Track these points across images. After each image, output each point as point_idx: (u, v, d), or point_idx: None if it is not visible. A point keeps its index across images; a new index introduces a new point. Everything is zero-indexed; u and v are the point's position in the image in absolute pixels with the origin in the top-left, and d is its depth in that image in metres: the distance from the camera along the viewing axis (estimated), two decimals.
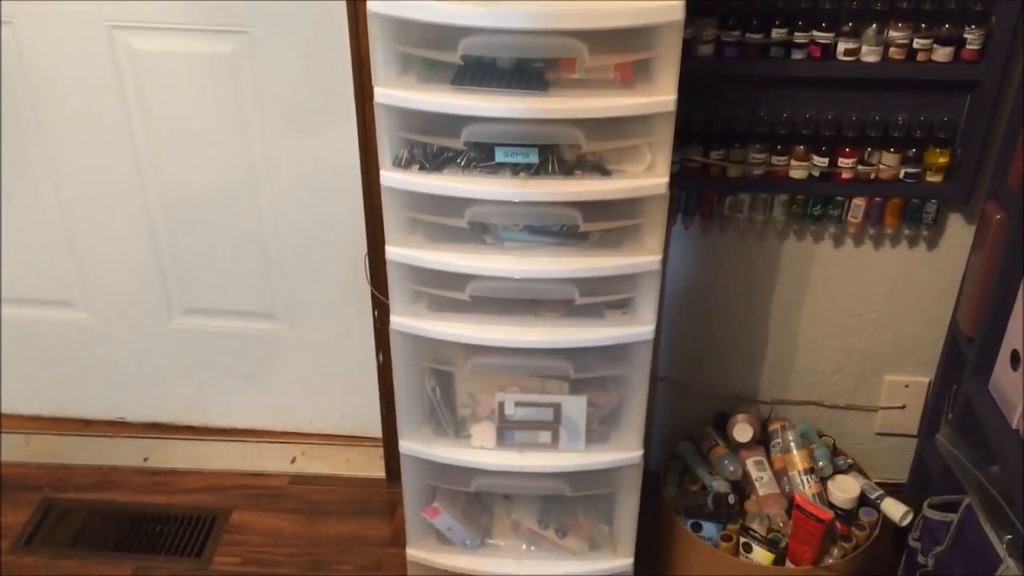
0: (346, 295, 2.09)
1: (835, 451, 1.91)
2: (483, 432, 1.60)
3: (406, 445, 1.61)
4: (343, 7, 1.69)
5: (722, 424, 1.93)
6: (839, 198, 1.76)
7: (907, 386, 1.98)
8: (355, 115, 1.79)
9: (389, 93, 1.33)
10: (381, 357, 2.10)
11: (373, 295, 2.00)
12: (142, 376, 2.27)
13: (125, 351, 2.24)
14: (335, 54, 1.78)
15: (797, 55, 1.62)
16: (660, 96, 1.31)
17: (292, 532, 2.08)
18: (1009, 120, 1.62)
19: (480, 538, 1.72)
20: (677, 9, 1.24)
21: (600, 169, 1.38)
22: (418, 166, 1.39)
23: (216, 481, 2.21)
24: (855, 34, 1.60)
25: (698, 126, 1.71)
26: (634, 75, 1.34)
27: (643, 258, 1.43)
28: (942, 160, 1.69)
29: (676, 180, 1.72)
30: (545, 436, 1.59)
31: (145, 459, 2.26)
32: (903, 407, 2.00)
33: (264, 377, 2.25)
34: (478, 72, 1.33)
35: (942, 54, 1.60)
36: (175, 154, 1.98)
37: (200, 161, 1.98)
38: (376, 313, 2.04)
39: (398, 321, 1.51)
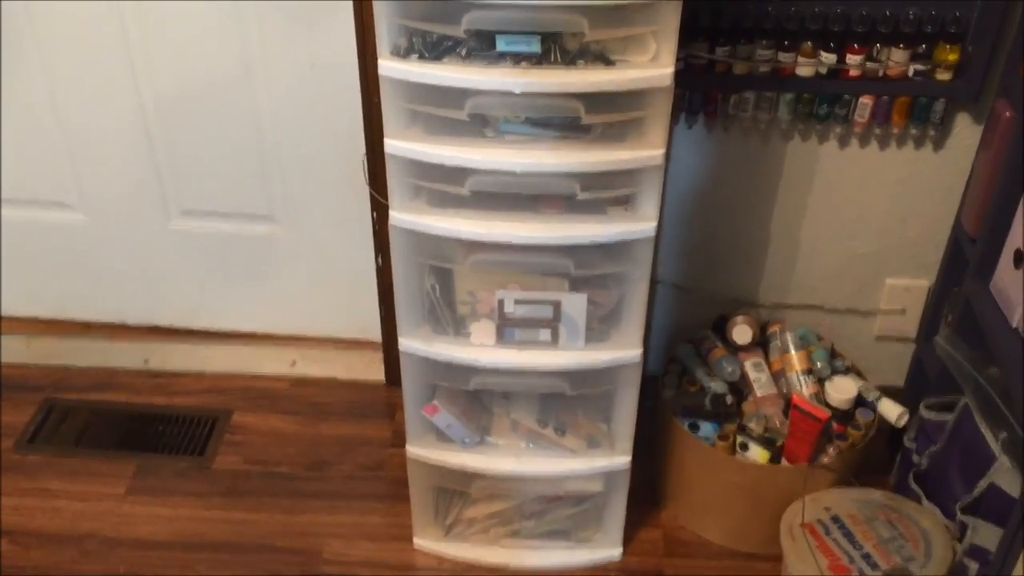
0: (345, 197, 2.07)
1: (833, 354, 1.92)
2: (483, 330, 1.60)
3: (405, 343, 1.61)
4: None
5: (721, 327, 1.93)
6: (846, 96, 1.73)
7: (908, 290, 1.98)
8: (352, 5, 1.75)
9: None
10: (380, 260, 2.09)
11: (372, 196, 1.98)
12: (141, 279, 2.27)
13: (123, 253, 2.23)
14: None
15: None
16: None
17: (293, 433, 2.10)
18: (1023, 15, 1.58)
19: (479, 436, 1.73)
20: None
21: (603, 59, 1.35)
22: (417, 55, 1.36)
23: (216, 383, 2.22)
24: None
25: (704, 20, 1.67)
26: None
27: (646, 152, 1.41)
28: (952, 57, 1.65)
29: (680, 78, 1.67)
30: (545, 334, 1.58)
31: (146, 361, 2.27)
32: (903, 311, 2.00)
33: (263, 280, 2.25)
34: None
35: None
36: (169, 50, 1.94)
37: (195, 58, 1.94)
38: (375, 215, 2.02)
39: (397, 217, 1.50)
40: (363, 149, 1.93)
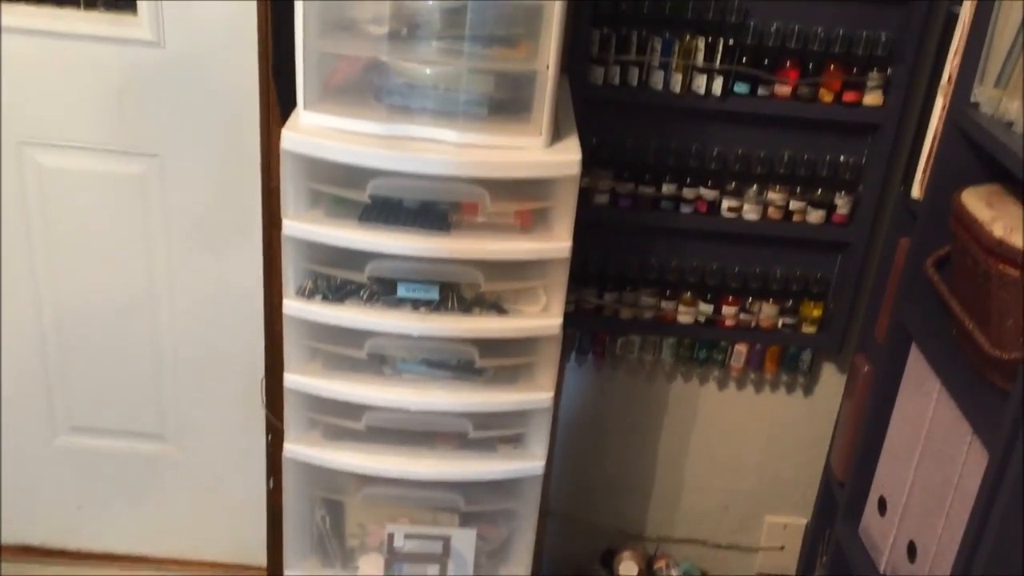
0: (239, 419, 2.07)
1: None
2: (371, 564, 1.59)
3: (292, 575, 1.59)
4: (256, 139, 1.75)
5: (609, 560, 1.95)
6: (723, 343, 1.86)
7: (786, 527, 2.05)
8: (261, 242, 1.82)
9: (297, 226, 1.37)
10: (271, 483, 2.07)
11: (267, 419, 1.99)
12: (17, 496, 2.17)
13: (2, 469, 2.15)
14: (246, 182, 1.82)
15: (685, 209, 1.74)
16: (556, 243, 1.38)
17: None
18: (875, 280, 1.76)
19: None
20: (574, 165, 1.33)
21: (497, 308, 1.44)
22: (321, 296, 1.43)
23: None
24: (738, 193, 1.73)
25: (594, 269, 1.80)
26: (532, 222, 1.41)
27: (536, 395, 1.48)
28: (816, 312, 1.81)
29: (571, 319, 1.79)
30: (433, 569, 1.58)
31: None
32: (782, 548, 2.07)
33: (148, 500, 2.18)
34: (384, 210, 1.38)
35: (815, 216, 1.73)
36: (74, 269, 1.96)
37: (99, 278, 1.96)
38: (269, 437, 2.02)
39: (292, 449, 1.51)
40: (262, 373, 1.96)
